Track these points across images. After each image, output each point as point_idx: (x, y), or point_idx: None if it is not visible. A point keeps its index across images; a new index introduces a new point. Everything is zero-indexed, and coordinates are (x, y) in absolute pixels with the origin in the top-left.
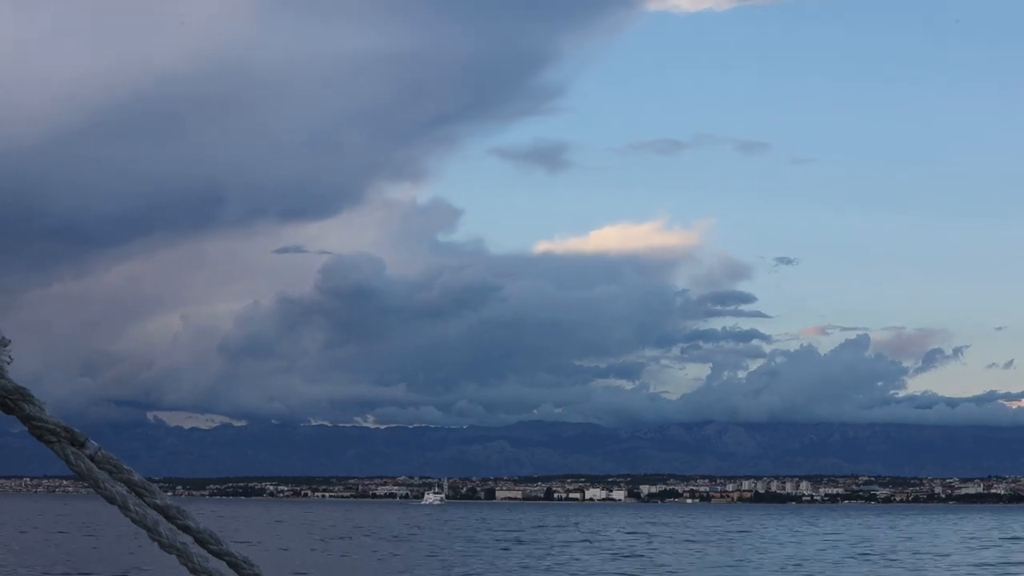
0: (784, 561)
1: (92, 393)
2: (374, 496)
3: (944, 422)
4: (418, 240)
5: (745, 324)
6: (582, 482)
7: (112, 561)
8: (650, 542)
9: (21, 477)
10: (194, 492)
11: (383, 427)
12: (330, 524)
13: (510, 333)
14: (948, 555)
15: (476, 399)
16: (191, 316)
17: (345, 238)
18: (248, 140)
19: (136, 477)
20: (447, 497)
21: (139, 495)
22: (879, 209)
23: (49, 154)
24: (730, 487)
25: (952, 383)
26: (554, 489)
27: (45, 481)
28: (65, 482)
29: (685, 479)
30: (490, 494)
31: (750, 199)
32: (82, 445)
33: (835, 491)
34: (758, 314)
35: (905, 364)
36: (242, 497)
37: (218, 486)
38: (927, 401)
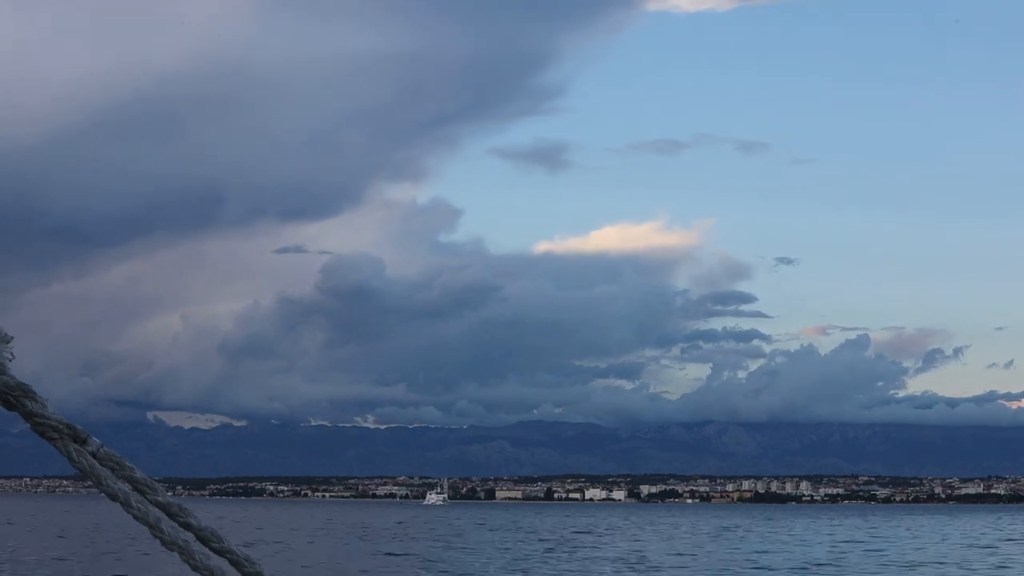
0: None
1: (92, 393)
2: (374, 496)
3: (944, 422)
4: (418, 240)
5: (745, 324)
6: (582, 482)
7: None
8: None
9: (21, 477)
10: (194, 492)
11: (383, 427)
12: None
13: (510, 333)
14: None
15: (476, 399)
16: (191, 316)
17: (345, 238)
18: (248, 140)
19: (138, 474)
20: (448, 497)
21: (141, 492)
22: (879, 209)
23: (49, 154)
24: (730, 487)
25: (952, 383)
26: (554, 489)
27: (45, 481)
28: (65, 482)
29: (685, 479)
30: (490, 494)
31: (750, 199)
32: (84, 442)
33: (835, 491)
34: (758, 314)
35: (905, 364)
36: (242, 497)
37: (218, 486)
38: (927, 401)
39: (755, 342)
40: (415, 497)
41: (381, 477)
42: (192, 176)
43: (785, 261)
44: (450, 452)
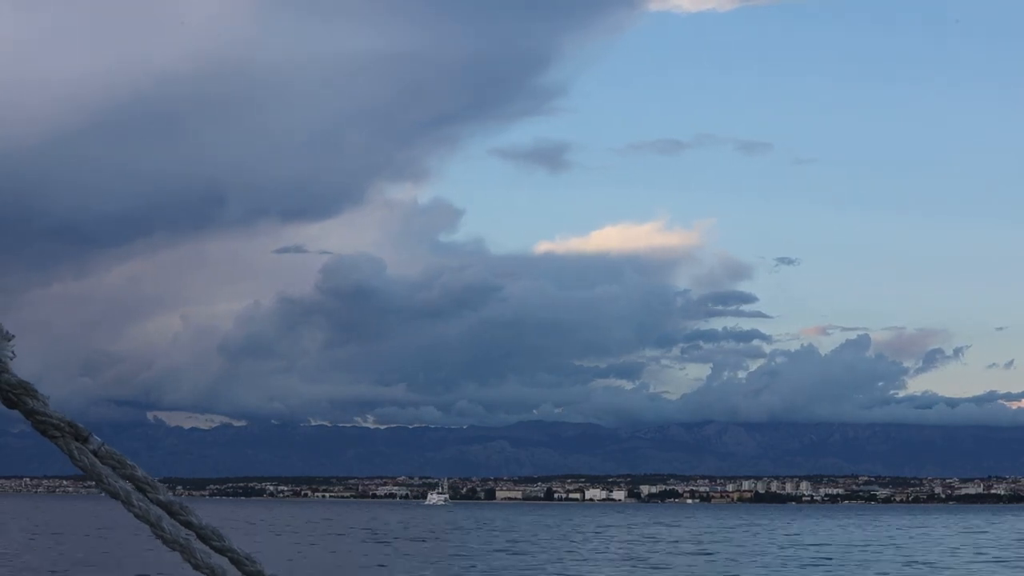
0: None
1: (92, 393)
2: (374, 496)
3: (944, 422)
4: (419, 240)
5: (746, 324)
6: (582, 482)
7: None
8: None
9: (21, 477)
10: (194, 492)
11: (383, 427)
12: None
13: (510, 333)
14: None
15: (476, 399)
16: (191, 316)
17: (346, 238)
18: (249, 140)
19: (139, 473)
20: (449, 498)
21: (142, 491)
22: (880, 209)
23: (49, 154)
24: (730, 487)
25: (952, 383)
26: (554, 489)
27: (45, 481)
28: (65, 482)
29: (685, 479)
30: (490, 494)
31: (751, 199)
32: (85, 440)
33: (835, 491)
34: (759, 314)
35: (906, 364)
36: (242, 497)
37: (218, 486)
38: (927, 401)
39: (755, 342)
40: (415, 497)
41: (381, 477)
42: (193, 176)
43: (786, 261)
44: (450, 452)
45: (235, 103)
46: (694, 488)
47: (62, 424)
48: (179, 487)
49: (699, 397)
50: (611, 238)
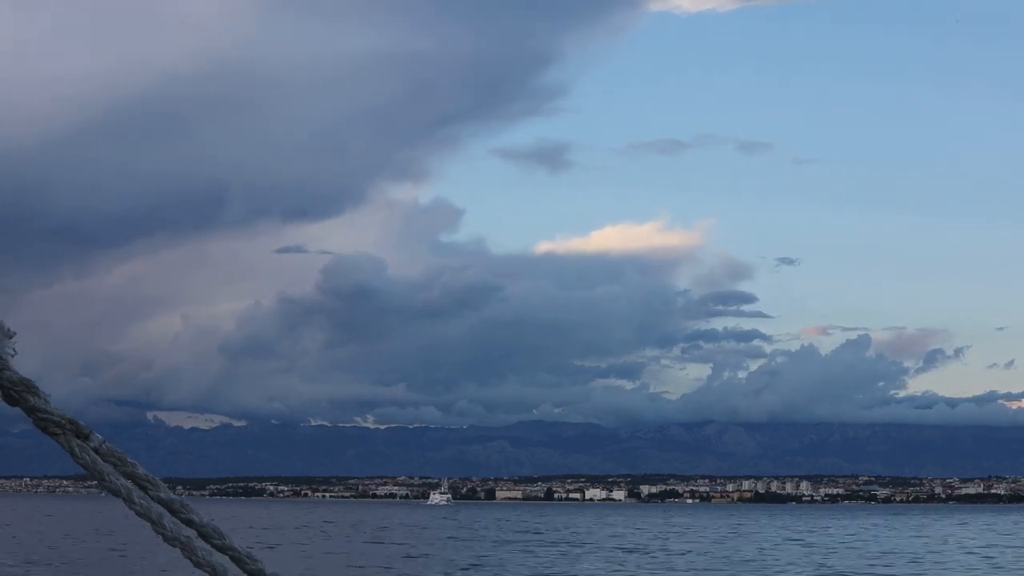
0: None
1: (92, 393)
2: (374, 496)
3: (944, 422)
4: (420, 240)
5: (746, 324)
6: (582, 482)
7: None
8: None
9: (21, 477)
10: (194, 492)
11: (383, 427)
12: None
13: (511, 333)
14: None
15: (476, 399)
16: (192, 316)
17: (347, 238)
18: (250, 140)
19: (140, 471)
20: (452, 498)
21: (143, 489)
22: (880, 209)
23: (50, 154)
24: (730, 487)
25: (952, 383)
26: (554, 489)
27: (45, 481)
28: (65, 482)
29: (685, 479)
30: (490, 494)
31: (751, 199)
32: (87, 438)
33: (835, 491)
34: (759, 314)
35: (906, 364)
36: (242, 497)
37: (218, 486)
38: (927, 401)
39: (756, 342)
40: (415, 497)
41: (381, 477)
42: (193, 176)
43: (786, 261)
44: (450, 452)
45: (236, 103)
46: (694, 488)
47: (63, 421)
48: (179, 487)
49: (699, 397)
50: (612, 238)
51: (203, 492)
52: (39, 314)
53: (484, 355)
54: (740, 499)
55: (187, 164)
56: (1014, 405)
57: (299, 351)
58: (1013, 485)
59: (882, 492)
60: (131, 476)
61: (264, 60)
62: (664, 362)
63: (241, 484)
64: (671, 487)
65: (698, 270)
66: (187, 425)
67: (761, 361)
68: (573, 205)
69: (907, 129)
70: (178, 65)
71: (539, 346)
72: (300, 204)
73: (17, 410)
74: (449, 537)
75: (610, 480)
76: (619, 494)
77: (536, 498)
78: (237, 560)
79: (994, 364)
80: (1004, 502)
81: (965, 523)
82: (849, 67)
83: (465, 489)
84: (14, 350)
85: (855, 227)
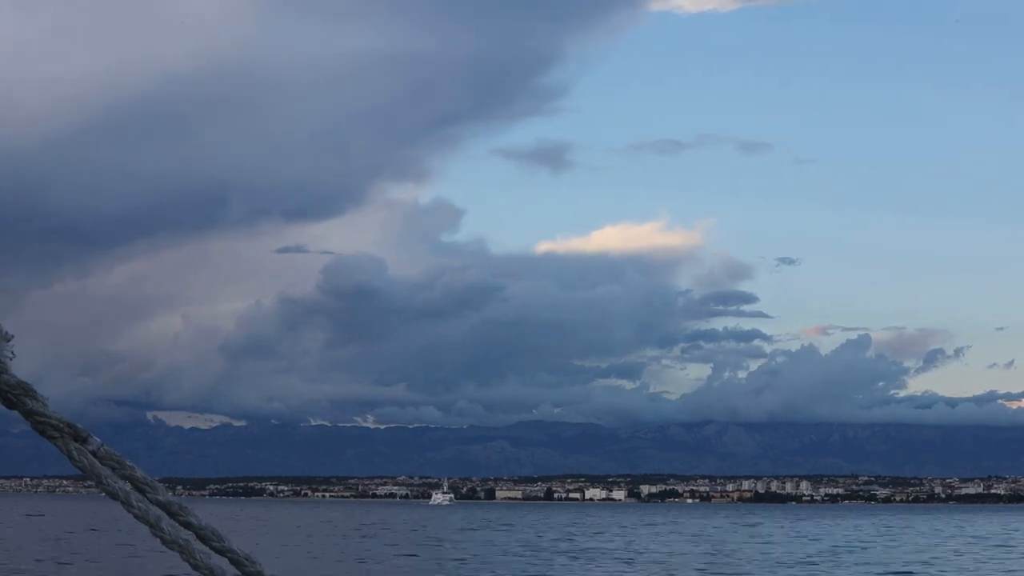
0: None
1: (92, 393)
2: (374, 496)
3: (944, 422)
4: (420, 240)
5: (747, 324)
6: (582, 482)
7: None
8: None
9: (21, 477)
10: (194, 492)
11: (383, 427)
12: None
13: (511, 333)
14: None
15: (476, 399)
16: (192, 316)
17: (347, 238)
18: (250, 140)
19: (139, 473)
20: (454, 497)
21: (141, 491)
22: (880, 209)
23: (50, 154)
24: (730, 487)
25: (952, 383)
26: (554, 489)
27: (45, 481)
28: (65, 482)
29: (685, 479)
30: (490, 494)
31: (752, 199)
32: (85, 441)
33: (835, 491)
34: (759, 314)
35: (906, 364)
36: (242, 497)
37: (218, 486)
38: (927, 401)
39: (756, 342)
40: (415, 497)
41: (381, 477)
42: (194, 176)
43: (786, 261)
44: (450, 452)
45: (236, 103)
46: (694, 488)
47: (61, 425)
48: (179, 487)
49: (699, 397)
50: (612, 238)
51: (203, 492)
52: (39, 314)
53: (484, 355)
54: (740, 499)
55: (187, 164)
56: (1014, 405)
57: (299, 351)
58: (1013, 485)
59: (882, 492)
60: (129, 479)
61: (264, 60)
62: (664, 362)
63: (241, 484)
64: (671, 487)
65: (698, 270)
66: (187, 425)
67: (761, 361)
68: (574, 205)
69: (907, 129)
70: (178, 65)
71: (539, 346)
72: (300, 204)
73: (16, 412)
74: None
75: (610, 480)
76: (619, 494)
77: (536, 498)
78: (236, 562)
79: (994, 364)
80: (1004, 502)
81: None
82: (850, 67)
83: (465, 489)
84: (13, 353)
85: (855, 227)
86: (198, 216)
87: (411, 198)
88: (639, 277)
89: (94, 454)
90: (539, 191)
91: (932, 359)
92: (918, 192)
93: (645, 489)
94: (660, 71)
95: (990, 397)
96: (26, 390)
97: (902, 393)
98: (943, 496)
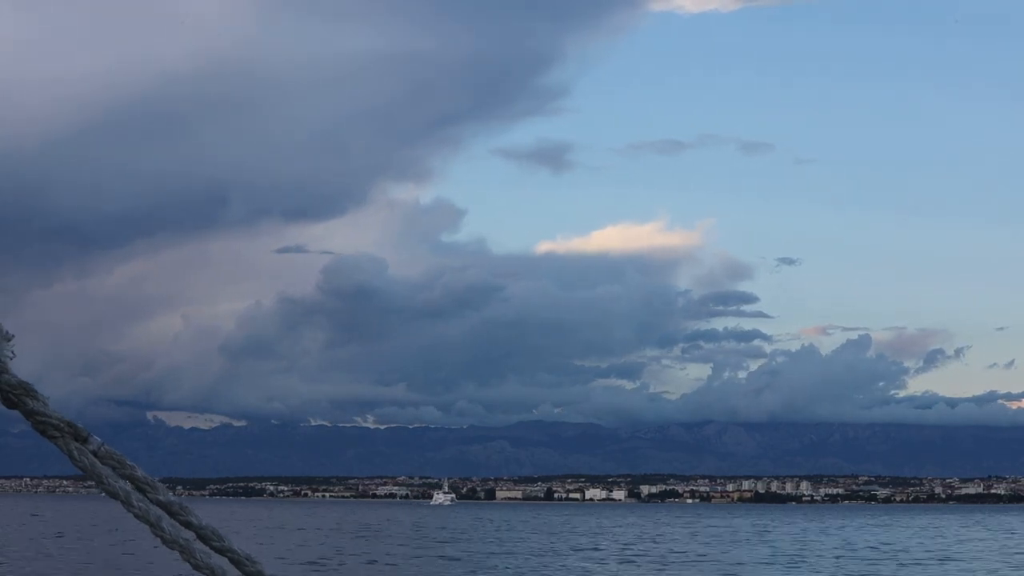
0: None
1: (92, 393)
2: (374, 496)
3: (944, 422)
4: (421, 240)
5: (747, 324)
6: (582, 482)
7: None
8: None
9: (21, 477)
10: (194, 492)
11: (383, 427)
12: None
13: (512, 333)
14: None
15: (476, 399)
16: (192, 316)
17: (348, 238)
18: (250, 140)
19: (139, 473)
20: (456, 497)
21: (142, 491)
22: (881, 209)
23: (50, 154)
24: (730, 487)
25: (953, 383)
26: (554, 489)
27: (45, 481)
28: (65, 482)
29: (685, 479)
30: (490, 494)
31: (752, 199)
32: (85, 440)
33: (835, 491)
34: (760, 314)
35: (906, 364)
36: (242, 497)
37: (218, 486)
38: (927, 401)
39: (756, 342)
40: (415, 497)
41: (381, 477)
42: (194, 176)
43: (787, 261)
44: (450, 452)
45: (236, 103)
46: (694, 488)
47: (62, 424)
48: (179, 487)
49: (699, 397)
50: (612, 238)
51: (203, 492)
52: (39, 314)
53: (484, 355)
54: (740, 499)
55: (187, 164)
56: (1014, 405)
57: (299, 351)
58: (1013, 485)
59: (882, 492)
60: (130, 479)
61: (264, 60)
62: (664, 362)
63: (241, 484)
64: (671, 487)
65: (698, 270)
66: (187, 425)
67: (761, 361)
68: (574, 205)
69: (907, 129)
70: (178, 65)
71: (539, 346)
72: (301, 204)
73: (16, 412)
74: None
75: (610, 480)
76: (619, 494)
77: (536, 498)
78: (236, 562)
79: (994, 364)
80: (1004, 502)
81: None
82: (851, 68)
83: (465, 489)
84: (13, 352)
85: (856, 227)
86: (198, 216)
87: (411, 198)
88: (639, 277)
89: (94, 454)
90: (539, 191)
91: (932, 359)
92: (919, 192)
93: (645, 489)
94: (661, 71)
95: (990, 397)
96: (27, 390)
97: (902, 393)
98: (943, 496)
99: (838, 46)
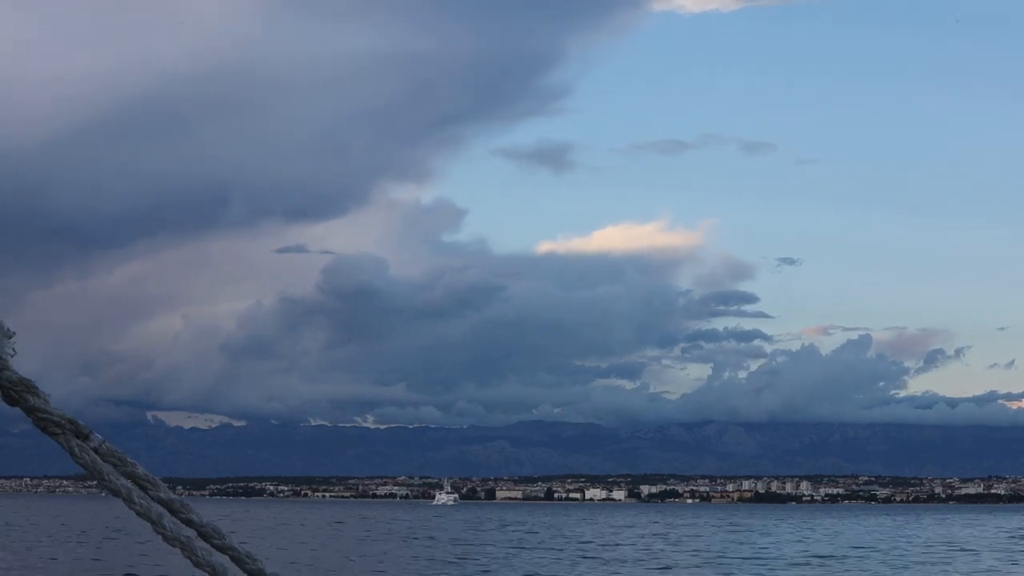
0: None
1: (92, 393)
2: (374, 496)
3: (944, 422)
4: (421, 240)
5: (747, 324)
6: (582, 482)
7: None
8: None
9: (21, 477)
10: (194, 492)
11: (383, 427)
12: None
13: (512, 333)
14: None
15: (476, 399)
16: (192, 316)
17: (348, 238)
18: (251, 140)
19: (140, 470)
20: (458, 497)
21: (143, 489)
22: (882, 209)
23: (50, 154)
24: (730, 487)
25: (953, 383)
26: (554, 489)
27: (45, 481)
28: (65, 482)
29: (685, 479)
30: (490, 494)
31: (753, 199)
32: (86, 438)
33: (835, 491)
34: (760, 314)
35: (907, 364)
36: (242, 497)
37: (218, 486)
38: (927, 401)
39: (756, 342)
40: (415, 497)
41: (381, 477)
42: (195, 176)
43: (787, 261)
44: (450, 452)
45: (237, 103)
46: (694, 488)
47: (63, 421)
48: (179, 487)
49: (699, 397)
50: (613, 238)
51: (203, 492)
52: (39, 314)
53: (484, 355)
54: (740, 499)
55: (187, 164)
56: (1014, 405)
57: (299, 351)
58: (1013, 485)
59: (882, 492)
60: (131, 476)
61: (264, 60)
62: (664, 362)
63: (241, 484)
64: (671, 487)
65: (699, 270)
66: (187, 425)
67: (761, 361)
68: (575, 205)
69: (909, 129)
70: (178, 65)
71: (540, 346)
72: (301, 204)
73: (17, 410)
74: None
75: (610, 480)
76: (619, 494)
77: (536, 498)
78: (237, 560)
79: (994, 364)
80: (1004, 502)
81: None
82: (852, 67)
83: (465, 489)
84: (14, 350)
85: (856, 227)
86: (198, 216)
87: (412, 198)
88: (640, 277)
89: (96, 451)
90: (540, 191)
91: (933, 359)
92: (920, 192)
93: (645, 489)
94: (662, 71)
95: (990, 397)
96: (28, 386)
97: (902, 393)
98: (943, 496)
99: (839, 46)
